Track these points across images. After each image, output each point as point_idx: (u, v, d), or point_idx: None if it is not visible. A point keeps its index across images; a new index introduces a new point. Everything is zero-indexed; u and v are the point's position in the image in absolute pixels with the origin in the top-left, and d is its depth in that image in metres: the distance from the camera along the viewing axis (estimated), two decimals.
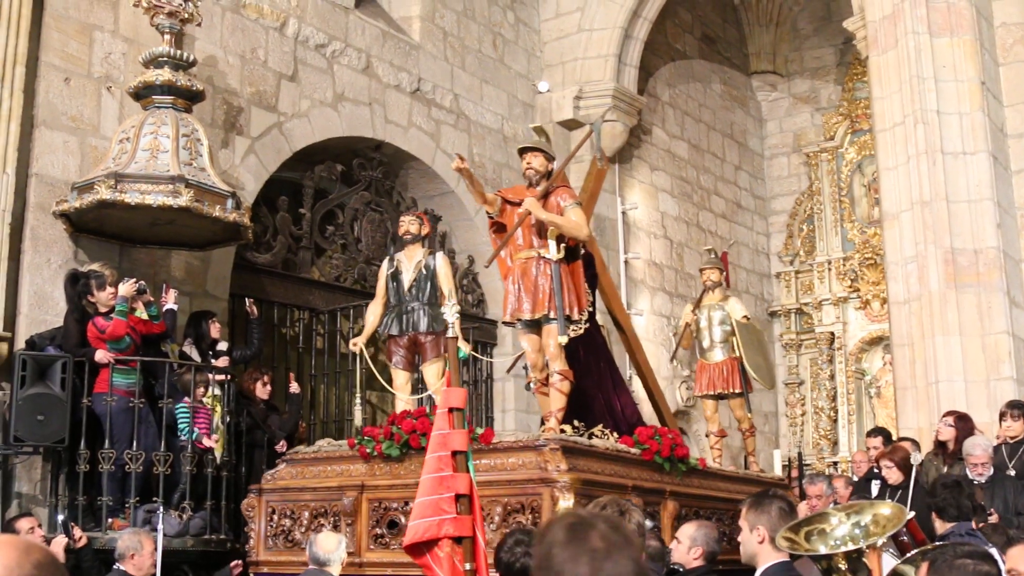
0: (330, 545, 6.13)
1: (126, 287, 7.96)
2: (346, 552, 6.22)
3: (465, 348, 7.61)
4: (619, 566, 2.17)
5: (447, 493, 4.63)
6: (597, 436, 7.15)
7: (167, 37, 8.58)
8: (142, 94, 8.51)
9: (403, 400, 7.78)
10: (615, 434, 7.37)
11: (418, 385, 8.49)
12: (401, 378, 7.87)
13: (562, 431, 6.84)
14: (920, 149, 10.59)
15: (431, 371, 7.76)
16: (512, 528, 6.24)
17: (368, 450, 6.99)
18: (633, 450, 7.24)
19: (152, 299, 8.37)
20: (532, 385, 7.63)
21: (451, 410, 4.80)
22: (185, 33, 9.02)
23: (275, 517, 7.29)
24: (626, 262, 14.34)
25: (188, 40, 9.30)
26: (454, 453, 4.73)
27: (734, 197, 17.64)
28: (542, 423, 7.29)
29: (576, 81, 13.83)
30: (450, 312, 4.83)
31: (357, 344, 7.90)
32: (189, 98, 8.64)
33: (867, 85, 12.32)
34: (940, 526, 5.83)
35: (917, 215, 10.55)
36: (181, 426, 8.12)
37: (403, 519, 6.70)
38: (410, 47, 12.18)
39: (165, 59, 8.49)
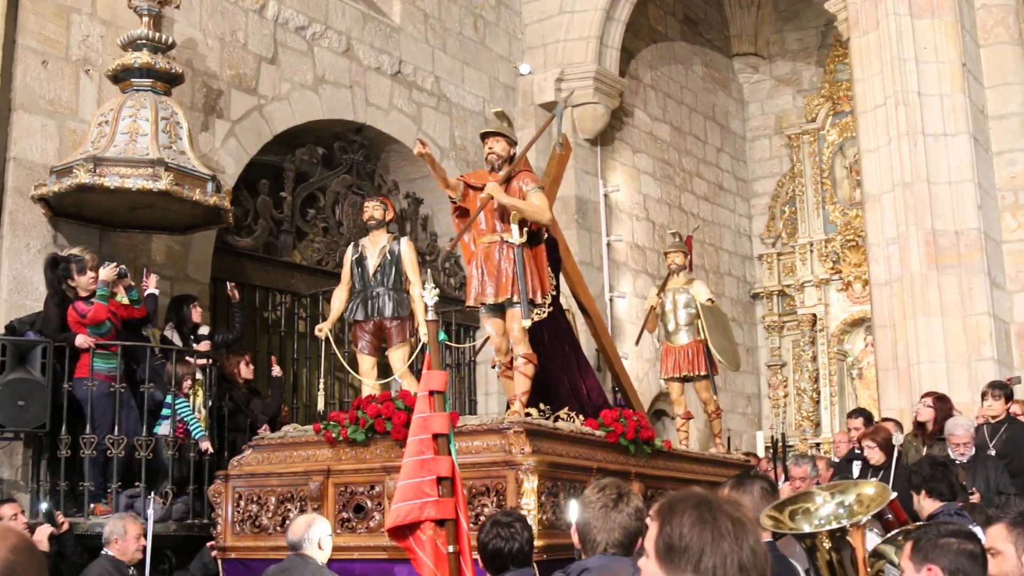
0: (298, 529, 6.10)
1: (107, 271, 7.92)
2: (325, 532, 6.17)
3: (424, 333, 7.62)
4: (755, 542, 2.21)
5: (429, 476, 4.61)
6: (562, 419, 7.17)
7: (145, 19, 8.52)
8: (121, 77, 8.45)
9: (369, 385, 7.77)
10: (581, 417, 7.39)
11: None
12: (367, 363, 7.85)
13: (527, 414, 6.85)
14: (901, 131, 10.62)
15: (397, 356, 7.75)
16: (493, 512, 6.24)
17: (333, 435, 6.98)
18: (598, 432, 7.24)
19: (133, 283, 8.33)
20: (497, 369, 7.65)
21: (432, 393, 4.76)
22: (164, 15, 8.96)
23: (242, 503, 7.26)
24: (608, 244, 14.34)
25: (167, 22, 9.23)
26: (435, 436, 4.70)
27: (716, 179, 17.65)
28: (508, 406, 7.29)
29: (558, 63, 13.80)
30: (428, 295, 4.80)
31: (323, 330, 7.88)
32: (168, 81, 8.57)
33: (848, 67, 12.34)
34: (930, 505, 5.78)
35: (898, 197, 10.58)
36: (190, 423, 8.11)
37: (369, 503, 6.70)
38: (391, 29, 12.13)
39: (144, 42, 8.42)
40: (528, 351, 7.14)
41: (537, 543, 5.91)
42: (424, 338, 7.52)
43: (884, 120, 10.78)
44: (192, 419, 8.14)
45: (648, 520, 2.33)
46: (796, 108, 18.39)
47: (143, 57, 8.35)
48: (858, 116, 11.27)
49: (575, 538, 3.88)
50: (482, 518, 6.31)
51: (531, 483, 6.13)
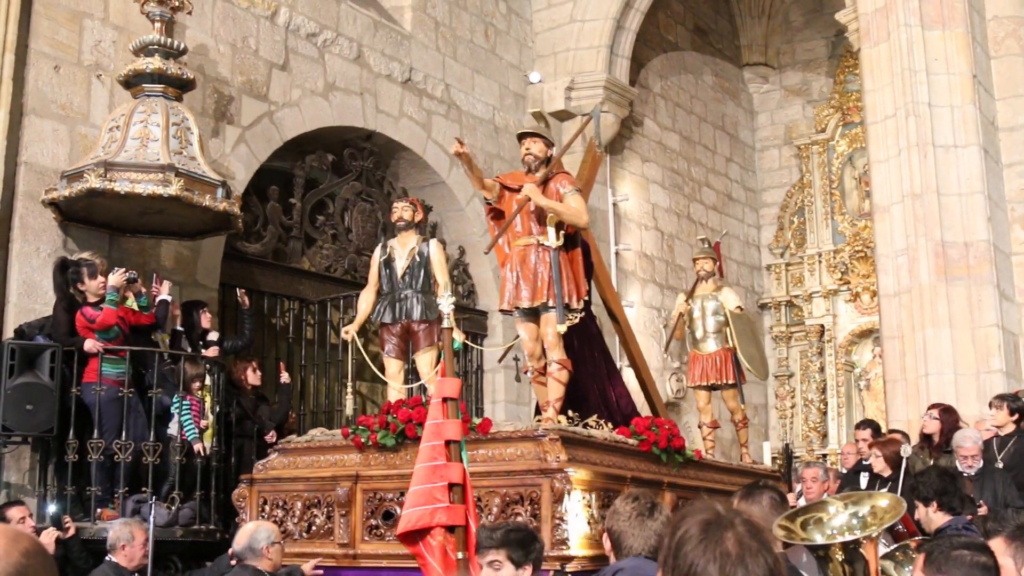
0: (241, 538, 6.05)
1: (116, 277, 7.93)
2: (271, 540, 6.08)
3: (459, 337, 7.55)
4: (751, 574, 2.06)
5: (440, 482, 4.61)
6: (591, 426, 7.05)
7: (157, 25, 8.54)
8: (132, 82, 8.47)
9: (396, 389, 7.65)
10: (610, 425, 7.29)
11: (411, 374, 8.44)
12: (394, 367, 7.73)
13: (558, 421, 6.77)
14: (911, 142, 10.60)
15: (424, 360, 7.65)
16: (526, 521, 6.19)
17: (363, 440, 6.88)
18: (631, 441, 7.14)
19: (143, 290, 8.35)
20: (529, 375, 7.55)
21: (445, 400, 4.78)
22: (176, 21, 8.99)
23: (267, 508, 7.19)
24: (617, 253, 14.34)
25: (179, 28, 9.26)
26: (448, 442, 4.71)
27: (725, 189, 17.64)
28: (536, 413, 7.20)
29: (568, 72, 13.81)
30: (445, 303, 4.82)
31: (349, 332, 7.78)
32: (179, 87, 8.59)
33: (859, 78, 12.34)
34: (939, 518, 5.71)
35: (908, 208, 10.56)
36: (185, 424, 8.09)
37: (399, 510, 6.59)
38: (401, 37, 12.15)
39: (155, 47, 8.45)
40: (563, 356, 7.03)
41: (582, 552, 5.93)
42: (454, 342, 7.50)
43: (894, 131, 10.76)
44: (188, 420, 8.11)
45: None
46: (806, 118, 18.38)
47: (155, 63, 8.37)
48: (868, 127, 11.25)
49: (607, 545, 4.00)
50: None
51: (578, 498, 6.05)
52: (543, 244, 7.03)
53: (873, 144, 11.09)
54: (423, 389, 7.66)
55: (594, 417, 7.23)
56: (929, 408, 9.10)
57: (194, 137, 8.43)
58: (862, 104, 11.82)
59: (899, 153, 10.69)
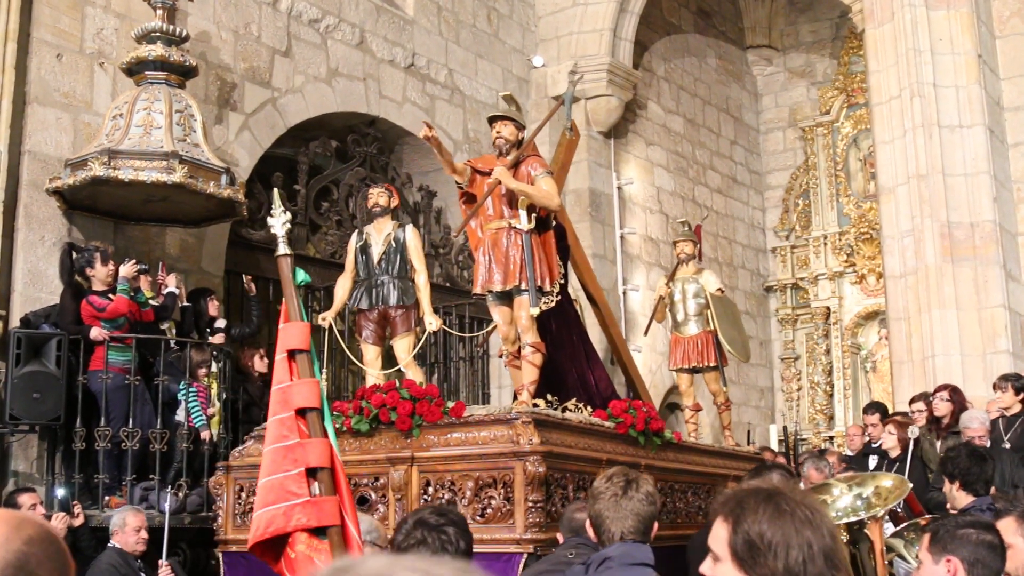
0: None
1: (127, 268, 7.93)
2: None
3: (436, 323, 7.55)
4: (831, 526, 2.18)
5: (295, 468, 3.41)
6: (570, 410, 7.06)
7: (160, 12, 8.53)
8: (135, 70, 8.46)
9: (373, 375, 7.66)
10: (589, 408, 7.28)
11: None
12: (371, 353, 7.73)
13: (535, 404, 6.74)
14: (916, 122, 10.57)
15: (401, 345, 7.66)
16: (500, 505, 6.15)
17: (337, 425, 6.88)
18: (607, 423, 7.13)
19: (151, 278, 8.37)
20: (505, 358, 7.56)
21: (291, 354, 3.56)
22: (178, 8, 8.96)
23: (243, 495, 7.14)
24: (622, 237, 14.30)
25: (181, 15, 9.23)
26: (300, 411, 3.50)
27: (730, 172, 17.59)
28: (515, 397, 7.20)
29: (571, 56, 13.75)
30: (279, 224, 3.94)
31: (326, 319, 7.80)
32: (182, 74, 8.58)
33: (863, 59, 12.29)
34: (963, 498, 5.69)
35: (913, 189, 10.54)
36: (193, 412, 8.10)
37: (373, 495, 6.59)
38: (404, 22, 12.11)
39: (158, 34, 8.43)
40: (536, 340, 7.02)
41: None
42: (429, 327, 7.49)
43: (899, 112, 10.73)
44: (195, 407, 8.12)
45: (718, 521, 2.22)
46: (810, 100, 18.30)
47: (157, 50, 8.36)
48: (873, 108, 11.22)
49: (590, 531, 3.79)
50: (488, 512, 6.24)
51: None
52: (515, 227, 7.02)
53: (878, 125, 11.06)
54: (400, 375, 7.66)
55: (573, 400, 7.23)
56: (938, 390, 9.05)
57: (197, 124, 8.42)
58: (867, 85, 11.78)
59: (904, 134, 10.66)
